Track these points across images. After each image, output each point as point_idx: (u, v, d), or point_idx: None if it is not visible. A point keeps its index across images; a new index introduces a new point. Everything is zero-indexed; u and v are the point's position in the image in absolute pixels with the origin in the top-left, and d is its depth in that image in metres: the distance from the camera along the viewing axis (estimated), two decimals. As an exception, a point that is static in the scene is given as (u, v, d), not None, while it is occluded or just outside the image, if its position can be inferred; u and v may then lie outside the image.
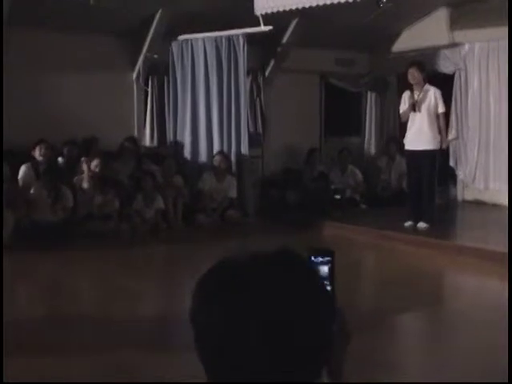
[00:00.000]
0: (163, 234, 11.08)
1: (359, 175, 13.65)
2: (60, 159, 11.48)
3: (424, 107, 10.35)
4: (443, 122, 10.56)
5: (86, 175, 11.02)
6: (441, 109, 10.42)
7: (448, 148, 12.79)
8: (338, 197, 12.96)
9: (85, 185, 10.96)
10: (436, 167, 10.50)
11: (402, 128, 12.05)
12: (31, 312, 7.04)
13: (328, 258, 1.39)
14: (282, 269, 1.28)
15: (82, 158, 11.21)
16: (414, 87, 10.41)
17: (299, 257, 1.32)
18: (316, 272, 1.34)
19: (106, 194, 10.83)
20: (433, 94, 10.38)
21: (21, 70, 11.37)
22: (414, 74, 10.40)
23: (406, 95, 10.56)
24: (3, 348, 5.03)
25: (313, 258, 1.38)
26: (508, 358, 4.91)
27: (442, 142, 10.45)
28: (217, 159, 12.02)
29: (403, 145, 10.96)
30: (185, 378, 4.97)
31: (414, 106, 10.34)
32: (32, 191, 10.42)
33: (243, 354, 1.23)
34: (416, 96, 10.35)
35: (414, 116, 10.41)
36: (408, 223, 10.63)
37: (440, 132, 10.45)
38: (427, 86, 10.45)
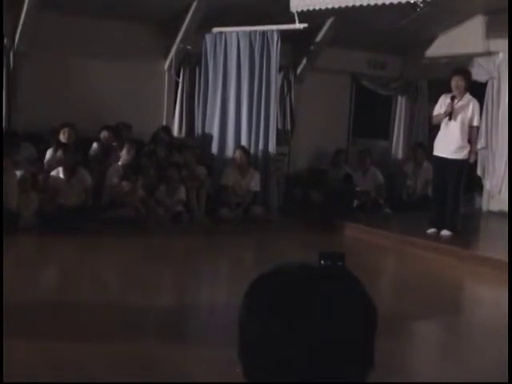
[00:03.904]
0: (185, 224, 11.09)
1: (380, 177, 13.58)
2: (95, 144, 11.52)
3: (460, 117, 10.22)
4: (475, 136, 10.41)
5: (124, 160, 11.02)
6: (475, 122, 10.26)
7: (476, 157, 12.72)
8: (361, 199, 12.92)
9: (119, 171, 10.94)
10: (463, 176, 10.41)
11: (431, 134, 12.00)
12: (47, 296, 7.06)
13: (339, 263, 1.35)
14: (331, 283, 1.28)
15: (126, 144, 11.17)
16: (455, 95, 10.27)
17: (349, 271, 1.32)
18: (364, 290, 1.33)
19: (133, 182, 10.85)
20: (471, 106, 10.24)
21: (54, 55, 11.46)
22: (458, 82, 10.22)
23: (443, 99, 10.39)
24: (3, 334, 5.04)
25: (323, 263, 1.34)
26: (508, 357, 4.88)
27: (470, 155, 10.33)
28: (237, 154, 12.02)
29: (431, 151, 10.86)
30: (200, 371, 4.99)
31: (451, 114, 10.22)
32: (52, 174, 10.46)
33: (287, 364, 1.24)
34: (455, 104, 10.23)
35: (448, 123, 10.27)
36: (431, 230, 10.56)
37: (470, 144, 10.35)
38: (468, 96, 10.28)
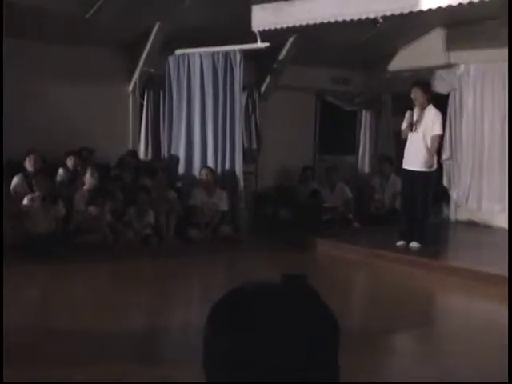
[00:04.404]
0: (155, 247, 11.05)
1: (348, 192, 13.60)
2: (61, 170, 11.47)
3: (421, 128, 10.30)
4: (434, 143, 10.38)
5: (89, 184, 10.99)
6: (435, 131, 10.30)
7: (442, 168, 12.83)
8: (330, 215, 12.94)
9: (85, 196, 10.90)
10: (431, 188, 10.49)
11: (397, 147, 12.08)
12: (20, 323, 7.00)
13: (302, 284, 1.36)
14: (294, 301, 1.29)
15: (88, 169, 11.14)
16: (416, 107, 10.39)
17: (310, 288, 1.33)
18: (325, 304, 1.33)
19: (100, 207, 10.80)
20: (431, 116, 10.33)
21: (18, 81, 11.38)
22: (416, 95, 10.35)
23: (408, 113, 10.52)
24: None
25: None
26: (508, 357, 4.91)
27: (426, 162, 10.32)
28: (203, 173, 12.00)
29: (398, 164, 10.94)
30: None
31: (412, 126, 10.33)
32: (25, 202, 10.40)
33: (253, 380, 1.24)
34: (415, 116, 10.33)
35: (412, 136, 10.39)
36: (400, 242, 10.62)
37: (432, 154, 10.39)
38: (430, 107, 10.38)
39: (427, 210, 10.58)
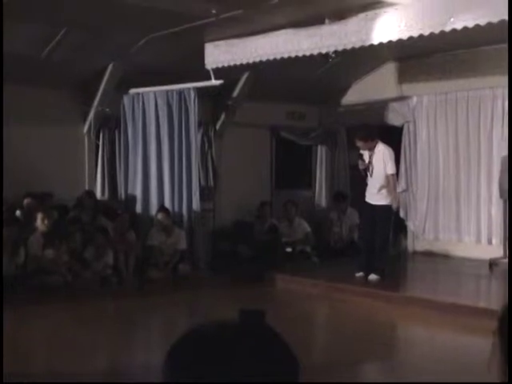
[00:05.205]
0: (114, 288, 10.95)
1: (306, 227, 13.64)
2: (18, 212, 11.36)
3: (375, 172, 10.39)
4: (392, 183, 10.52)
5: (40, 230, 10.88)
6: (389, 170, 10.41)
7: (398, 203, 12.94)
8: (289, 250, 12.96)
9: (40, 240, 10.79)
10: (390, 221, 10.57)
11: (353, 180, 12.14)
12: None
13: (259, 320, 1.36)
14: (250, 339, 1.28)
15: (39, 214, 11.05)
16: (362, 153, 10.50)
17: (267, 326, 1.32)
18: (284, 342, 1.33)
19: (56, 249, 10.69)
20: (382, 157, 10.42)
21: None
22: (359, 145, 10.52)
23: (359, 156, 10.60)
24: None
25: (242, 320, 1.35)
26: (508, 358, 4.94)
27: (392, 202, 10.45)
28: (159, 216, 11.95)
29: (353, 196, 11.02)
30: None
31: (366, 172, 10.44)
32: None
33: None
34: (366, 158, 10.43)
35: (369, 179, 10.51)
36: (359, 274, 10.65)
37: (392, 192, 10.47)
38: (378, 147, 10.46)
39: (386, 241, 10.64)
